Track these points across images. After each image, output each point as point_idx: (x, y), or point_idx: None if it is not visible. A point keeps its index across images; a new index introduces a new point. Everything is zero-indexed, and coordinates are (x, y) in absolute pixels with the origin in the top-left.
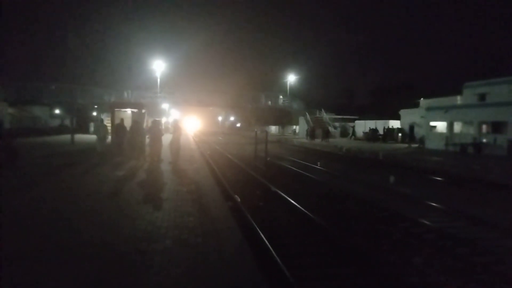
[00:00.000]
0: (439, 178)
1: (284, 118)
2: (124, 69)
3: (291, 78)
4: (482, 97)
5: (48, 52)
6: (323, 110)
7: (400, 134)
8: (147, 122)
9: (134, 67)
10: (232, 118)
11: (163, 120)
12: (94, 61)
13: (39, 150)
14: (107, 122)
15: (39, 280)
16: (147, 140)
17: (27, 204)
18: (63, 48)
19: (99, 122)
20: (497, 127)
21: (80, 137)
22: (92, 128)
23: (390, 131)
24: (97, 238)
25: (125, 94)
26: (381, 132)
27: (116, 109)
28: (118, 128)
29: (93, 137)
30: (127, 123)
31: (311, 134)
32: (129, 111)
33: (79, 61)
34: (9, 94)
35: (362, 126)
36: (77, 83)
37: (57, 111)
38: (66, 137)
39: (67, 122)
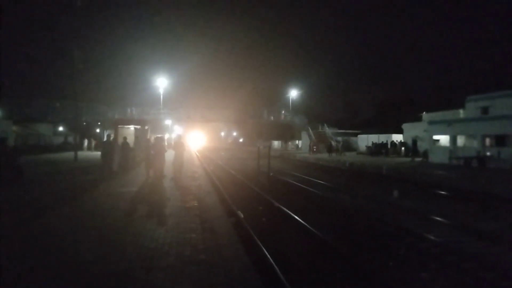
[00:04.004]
0: (444, 192)
1: (286, 133)
2: (127, 86)
3: (294, 93)
4: (485, 110)
5: (52, 70)
6: (325, 124)
7: (403, 148)
8: (150, 138)
9: (137, 84)
10: (234, 134)
11: (166, 136)
12: (98, 78)
13: (43, 168)
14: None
15: None
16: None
17: (31, 222)
18: (67, 66)
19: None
20: (500, 140)
21: (83, 154)
22: (85, 144)
23: (393, 145)
24: (100, 255)
25: (129, 110)
26: (387, 146)
27: (119, 126)
28: (107, 145)
29: (94, 154)
30: (130, 140)
31: (314, 148)
32: (132, 127)
33: (83, 78)
34: (14, 112)
35: (365, 141)
36: (81, 100)
37: (61, 129)
38: (70, 154)
39: (70, 139)
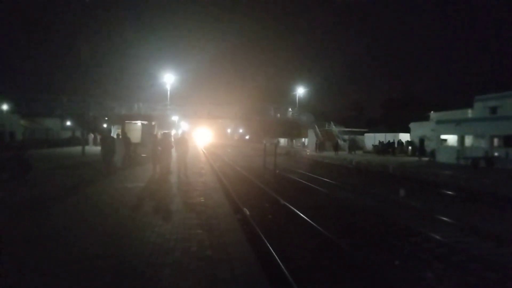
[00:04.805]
0: (450, 192)
1: (293, 130)
2: (135, 81)
3: (300, 91)
4: (493, 110)
5: (60, 65)
6: (332, 123)
7: (410, 147)
8: (157, 134)
9: (144, 79)
10: (241, 130)
11: (173, 132)
12: (106, 73)
13: (51, 162)
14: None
15: None
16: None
17: (37, 216)
18: (75, 61)
19: (108, 135)
20: (509, 140)
21: (89, 148)
22: (91, 139)
23: (400, 144)
24: (106, 250)
25: (136, 106)
26: (394, 145)
27: (126, 121)
28: (105, 140)
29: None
30: (137, 135)
31: (321, 146)
32: (139, 123)
33: (90, 73)
34: (22, 106)
35: (372, 139)
36: (89, 95)
37: (68, 123)
38: (77, 148)
39: (78, 134)
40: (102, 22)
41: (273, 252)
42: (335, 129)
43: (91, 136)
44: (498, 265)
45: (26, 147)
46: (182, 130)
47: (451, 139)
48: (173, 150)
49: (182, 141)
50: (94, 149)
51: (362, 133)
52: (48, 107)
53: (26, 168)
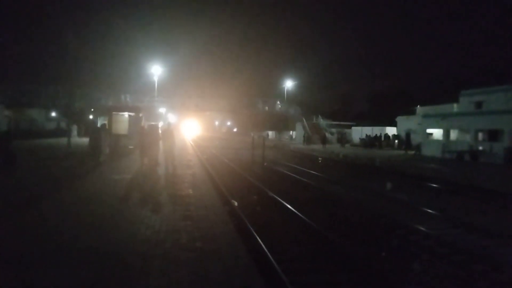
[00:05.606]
0: (435, 185)
1: (281, 123)
2: (122, 73)
3: (289, 84)
4: (478, 105)
5: (46, 55)
6: (320, 116)
7: (396, 141)
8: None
9: (132, 71)
10: (229, 123)
11: (160, 124)
12: (92, 64)
13: (36, 153)
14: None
15: (36, 283)
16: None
17: (24, 209)
18: (61, 51)
19: (93, 126)
20: (493, 135)
21: (73, 140)
22: (75, 131)
23: (386, 138)
24: (95, 241)
25: (123, 97)
26: (381, 138)
27: (113, 113)
28: (93, 132)
29: (84, 141)
30: (124, 127)
31: (308, 139)
32: (126, 114)
33: (76, 64)
34: (6, 96)
35: (359, 133)
36: (75, 86)
37: (53, 114)
38: (62, 140)
39: (63, 125)
40: (89, 13)
41: (262, 244)
42: (322, 122)
43: (75, 127)
44: (480, 255)
45: (11, 138)
46: (168, 122)
47: (437, 133)
48: (161, 142)
49: (168, 133)
50: (79, 140)
51: (350, 127)
52: (33, 98)
53: (11, 159)
